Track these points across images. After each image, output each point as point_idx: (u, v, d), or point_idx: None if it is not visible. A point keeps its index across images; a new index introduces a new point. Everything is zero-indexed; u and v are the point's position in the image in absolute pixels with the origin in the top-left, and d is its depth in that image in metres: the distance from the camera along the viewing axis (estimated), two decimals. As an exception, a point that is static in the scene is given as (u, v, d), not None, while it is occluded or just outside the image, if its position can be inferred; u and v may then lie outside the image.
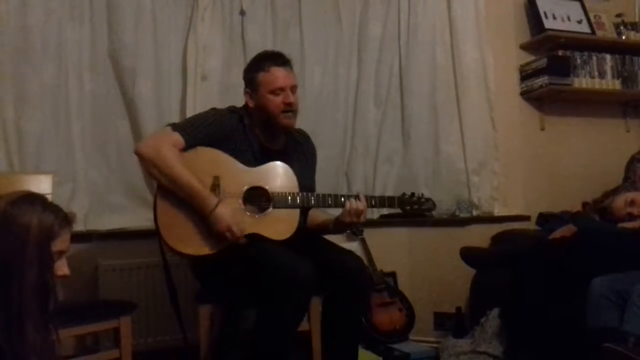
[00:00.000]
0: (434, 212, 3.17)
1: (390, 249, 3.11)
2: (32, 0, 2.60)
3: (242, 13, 2.94)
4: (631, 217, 2.63)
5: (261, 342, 1.96)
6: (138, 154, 2.04)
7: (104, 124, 2.77)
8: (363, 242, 2.96)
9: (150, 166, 2.01)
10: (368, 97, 3.20)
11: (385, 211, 3.18)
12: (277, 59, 2.15)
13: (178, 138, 2.03)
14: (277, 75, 2.12)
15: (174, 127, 2.08)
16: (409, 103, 3.24)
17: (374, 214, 3.18)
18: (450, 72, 3.29)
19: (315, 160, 2.40)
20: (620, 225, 2.61)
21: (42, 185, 2.23)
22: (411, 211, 2.26)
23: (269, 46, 2.98)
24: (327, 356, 2.15)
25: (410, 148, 3.24)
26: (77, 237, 2.61)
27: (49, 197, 1.35)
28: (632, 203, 2.65)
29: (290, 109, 2.14)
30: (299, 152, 2.30)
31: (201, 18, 2.85)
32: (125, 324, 2.08)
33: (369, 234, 2.99)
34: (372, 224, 3.11)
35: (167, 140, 2.03)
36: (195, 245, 2.01)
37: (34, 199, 1.25)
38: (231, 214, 1.99)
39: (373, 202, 2.22)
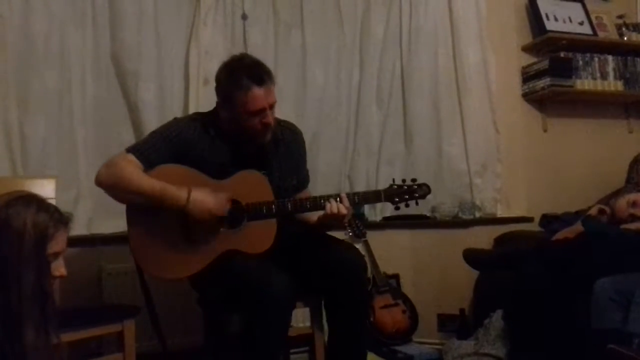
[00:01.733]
0: (436, 214, 3.21)
1: (393, 251, 3.11)
2: (35, 5, 2.61)
3: (244, 17, 2.95)
4: (634, 218, 2.62)
5: (248, 352, 1.92)
6: (98, 183, 1.96)
7: (107, 128, 2.77)
8: (366, 245, 2.96)
9: (113, 189, 1.94)
10: (370, 99, 3.20)
11: (388, 213, 3.18)
12: (255, 75, 1.96)
13: (133, 160, 1.95)
14: (257, 96, 1.94)
15: (128, 149, 2.01)
16: (411, 105, 3.24)
17: (377, 216, 3.19)
18: (452, 74, 3.29)
19: (304, 150, 2.26)
20: (623, 226, 2.60)
21: (45, 189, 2.23)
22: (402, 201, 2.08)
23: (271, 49, 3.00)
24: (335, 352, 2.11)
25: (413, 150, 3.24)
26: (80, 241, 2.62)
27: (53, 202, 1.34)
28: (634, 204, 2.64)
29: (267, 128, 2.02)
30: (280, 148, 2.15)
31: (203, 22, 2.86)
32: (129, 328, 2.07)
33: (372, 236, 2.99)
34: (375, 226, 3.11)
35: (123, 162, 1.95)
36: (174, 270, 1.97)
37: (29, 201, 1.24)
38: (208, 195, 1.91)
39: (356, 199, 2.07)
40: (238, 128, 2.02)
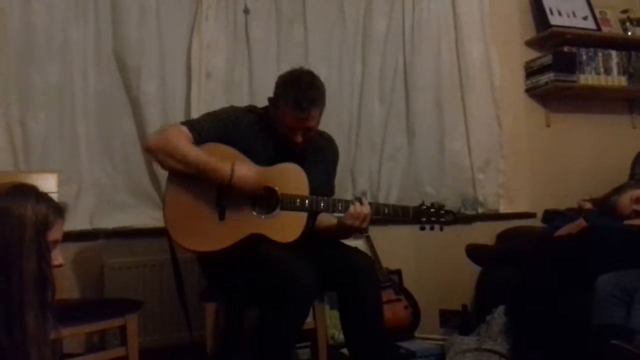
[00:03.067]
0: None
1: (395, 247, 3.11)
2: (36, -1, 2.61)
3: (247, 11, 2.94)
4: (637, 214, 2.61)
5: (263, 343, 1.96)
6: (147, 147, 2.07)
7: (109, 122, 2.77)
8: (368, 240, 2.96)
9: (160, 154, 2.02)
10: (373, 94, 3.19)
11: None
12: (302, 99, 2.02)
13: (185, 131, 2.04)
14: (294, 117, 2.04)
15: (183, 122, 2.11)
16: (413, 100, 3.23)
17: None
18: (455, 69, 3.28)
19: (337, 165, 2.36)
20: (627, 222, 2.59)
21: (47, 184, 2.24)
22: (427, 222, 2.13)
23: (273, 44, 2.99)
24: (351, 354, 2.15)
25: (415, 145, 3.23)
26: (83, 236, 2.63)
27: (55, 196, 1.36)
28: (637, 200, 2.63)
29: (295, 143, 2.10)
30: (318, 156, 2.25)
31: (205, 16, 2.85)
32: (132, 322, 2.09)
33: (374, 231, 2.99)
34: (377, 221, 3.07)
35: (174, 131, 2.05)
36: (201, 242, 2.02)
37: (27, 190, 1.27)
38: (250, 171, 2.00)
39: (386, 211, 2.13)
40: (278, 127, 2.12)
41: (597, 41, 3.46)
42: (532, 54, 3.47)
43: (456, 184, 3.25)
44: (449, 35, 3.28)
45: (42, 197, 1.27)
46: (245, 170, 1.99)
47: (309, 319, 2.34)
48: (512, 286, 2.58)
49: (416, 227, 3.10)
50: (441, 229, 2.17)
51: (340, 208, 2.10)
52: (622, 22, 3.58)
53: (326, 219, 2.23)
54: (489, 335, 2.61)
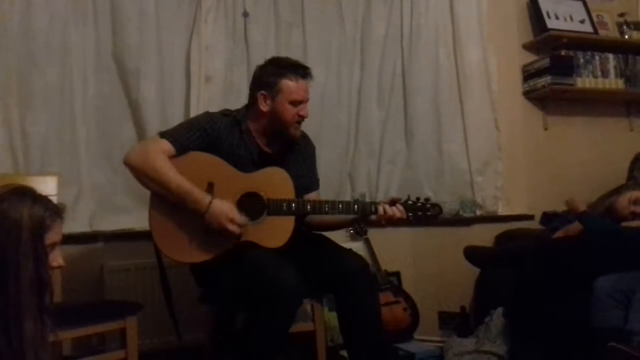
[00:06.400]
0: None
1: (394, 249, 3.12)
2: (37, 2, 2.61)
3: (245, 14, 2.96)
4: (635, 216, 2.61)
5: (249, 347, 1.97)
6: (126, 163, 2.03)
7: (108, 125, 2.78)
8: (367, 242, 2.97)
9: (139, 175, 2.01)
10: (371, 97, 3.21)
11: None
12: (302, 70, 2.15)
13: (166, 145, 2.02)
14: (301, 87, 2.13)
15: (162, 134, 2.07)
16: (412, 103, 3.24)
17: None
18: (453, 73, 3.29)
19: (314, 158, 2.37)
20: (624, 224, 2.60)
21: (47, 186, 2.25)
22: (415, 218, 2.14)
23: (272, 47, 3.00)
24: (350, 356, 2.16)
25: (414, 148, 3.25)
26: (82, 238, 2.64)
27: (55, 199, 1.36)
28: (636, 202, 2.64)
29: (302, 120, 2.16)
30: (296, 153, 2.27)
31: (204, 20, 2.87)
32: (131, 325, 2.08)
33: (373, 234, 3.00)
34: (376, 223, 3.10)
35: (155, 148, 2.02)
36: (188, 253, 2.02)
37: (23, 193, 1.25)
38: (227, 209, 1.97)
39: (373, 209, 2.15)
40: (277, 121, 2.13)
41: (594, 44, 3.47)
42: (530, 57, 3.48)
43: (454, 187, 3.26)
44: (447, 39, 3.29)
45: (38, 199, 1.26)
46: (219, 209, 1.96)
47: (309, 322, 2.35)
48: (510, 288, 2.58)
49: (415, 230, 3.18)
50: (427, 222, 2.20)
51: (326, 209, 2.11)
52: (619, 26, 3.60)
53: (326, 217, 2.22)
54: (488, 337, 2.62)
